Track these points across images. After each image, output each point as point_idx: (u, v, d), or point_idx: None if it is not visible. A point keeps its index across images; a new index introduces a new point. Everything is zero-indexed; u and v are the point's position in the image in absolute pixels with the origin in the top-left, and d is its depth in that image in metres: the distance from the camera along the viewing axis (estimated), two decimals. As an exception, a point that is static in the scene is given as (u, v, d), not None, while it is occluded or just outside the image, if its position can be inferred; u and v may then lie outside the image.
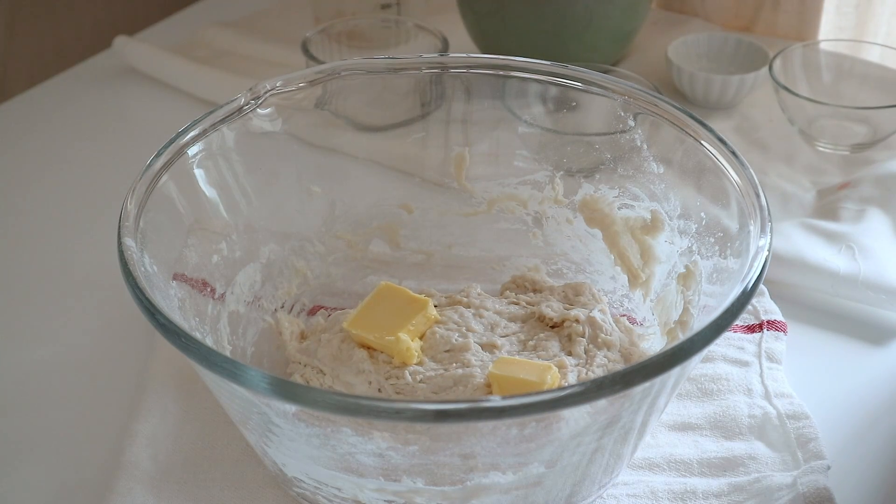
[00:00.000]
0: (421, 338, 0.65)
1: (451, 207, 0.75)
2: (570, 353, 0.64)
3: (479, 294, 0.70)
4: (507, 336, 0.66)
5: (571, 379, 0.62)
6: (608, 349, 0.64)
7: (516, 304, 0.70)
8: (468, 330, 0.66)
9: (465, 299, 0.69)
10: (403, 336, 0.63)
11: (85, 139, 0.97)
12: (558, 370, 0.62)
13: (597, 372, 0.63)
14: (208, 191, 0.66)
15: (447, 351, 0.64)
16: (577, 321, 0.66)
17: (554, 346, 0.65)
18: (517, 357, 0.64)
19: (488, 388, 0.61)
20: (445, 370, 0.63)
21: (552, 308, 0.68)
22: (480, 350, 0.65)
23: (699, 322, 0.60)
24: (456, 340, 0.65)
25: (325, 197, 0.73)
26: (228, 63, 1.05)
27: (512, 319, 0.68)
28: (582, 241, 0.73)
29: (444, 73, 0.72)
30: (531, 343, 0.66)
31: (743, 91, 0.94)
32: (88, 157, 0.95)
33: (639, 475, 0.62)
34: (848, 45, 1.00)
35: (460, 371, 0.62)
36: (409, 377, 0.62)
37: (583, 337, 0.65)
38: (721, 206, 0.62)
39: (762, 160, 0.89)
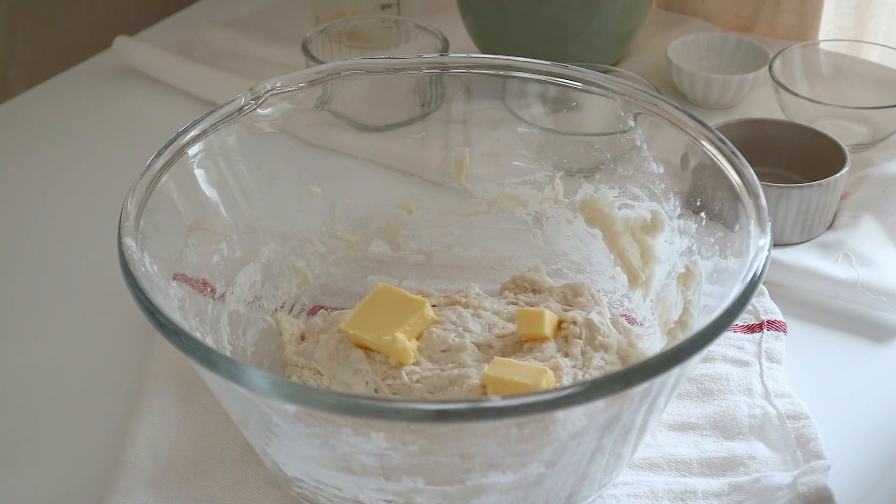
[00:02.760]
0: (418, 338, 0.65)
1: (451, 207, 0.75)
2: (566, 355, 0.64)
3: (477, 294, 0.70)
4: (504, 336, 0.66)
5: (567, 381, 0.62)
6: (605, 351, 0.64)
7: (515, 304, 0.70)
8: (465, 330, 0.66)
9: (464, 299, 0.69)
10: (400, 336, 0.63)
11: (85, 139, 0.97)
12: (554, 372, 0.62)
13: (593, 374, 0.63)
14: (208, 191, 0.66)
15: (444, 351, 0.64)
16: (574, 323, 0.66)
17: (550, 347, 0.65)
18: (513, 358, 0.64)
19: (483, 388, 0.61)
20: (442, 370, 0.63)
21: (550, 309, 0.68)
22: (477, 350, 0.65)
23: (699, 322, 0.60)
24: (452, 341, 0.65)
25: (325, 197, 0.73)
26: (228, 63, 1.05)
27: (510, 320, 0.68)
28: (582, 241, 0.73)
29: (444, 73, 0.72)
30: (528, 344, 0.66)
31: (743, 91, 0.94)
32: (88, 157, 0.95)
33: (639, 475, 0.62)
34: (848, 45, 1.00)
35: (456, 371, 0.62)
36: (406, 377, 0.62)
37: (580, 339, 0.65)
38: (721, 206, 0.62)
39: (762, 160, 0.89)
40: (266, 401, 0.50)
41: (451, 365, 0.63)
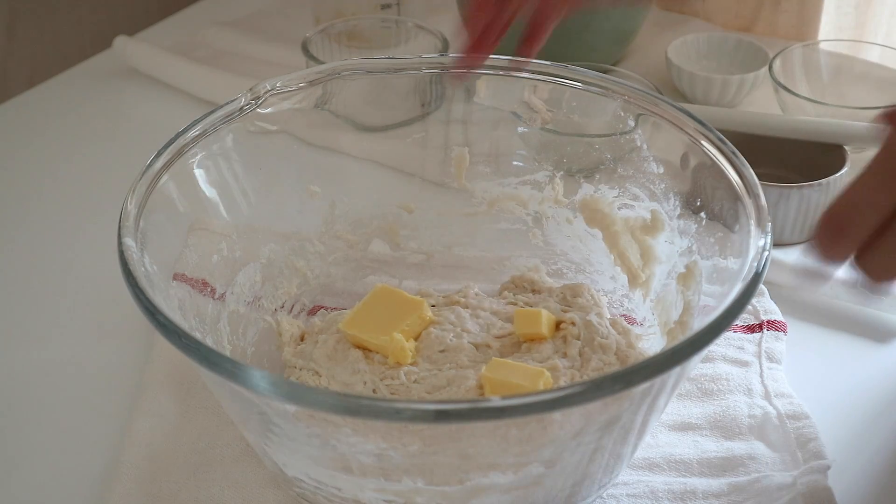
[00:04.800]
0: (416, 338, 0.65)
1: (451, 207, 0.75)
2: (564, 356, 0.64)
3: (476, 294, 0.70)
4: (502, 337, 0.66)
5: (564, 382, 0.62)
6: (603, 352, 0.64)
7: (514, 304, 0.70)
8: (463, 330, 0.66)
9: (463, 299, 0.69)
10: (398, 336, 0.63)
11: (85, 139, 0.97)
12: (551, 373, 0.62)
13: (591, 375, 0.63)
14: (208, 191, 0.66)
15: (441, 351, 0.64)
16: (572, 324, 0.66)
17: (548, 347, 0.65)
18: (511, 359, 0.64)
19: (480, 389, 0.61)
20: (439, 370, 0.63)
21: (549, 309, 0.68)
22: (475, 351, 0.65)
23: (699, 322, 0.60)
24: (450, 341, 0.65)
25: (325, 197, 0.73)
26: (228, 63, 1.05)
27: (508, 320, 0.68)
28: (582, 241, 0.73)
29: (444, 73, 0.72)
30: (526, 344, 0.66)
31: (743, 91, 0.94)
32: (88, 157, 0.95)
33: (639, 475, 0.62)
34: (848, 45, 1.00)
35: (453, 371, 0.62)
36: (404, 377, 0.62)
37: (578, 340, 0.65)
38: (721, 206, 0.62)
39: (762, 160, 0.89)
40: (266, 401, 0.50)
41: (448, 365, 0.63)
